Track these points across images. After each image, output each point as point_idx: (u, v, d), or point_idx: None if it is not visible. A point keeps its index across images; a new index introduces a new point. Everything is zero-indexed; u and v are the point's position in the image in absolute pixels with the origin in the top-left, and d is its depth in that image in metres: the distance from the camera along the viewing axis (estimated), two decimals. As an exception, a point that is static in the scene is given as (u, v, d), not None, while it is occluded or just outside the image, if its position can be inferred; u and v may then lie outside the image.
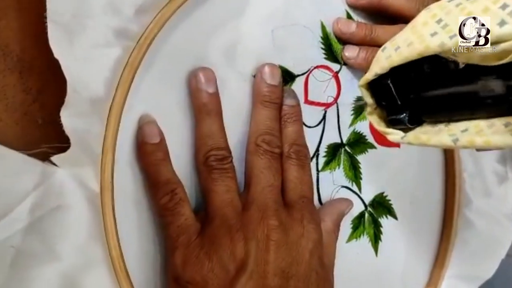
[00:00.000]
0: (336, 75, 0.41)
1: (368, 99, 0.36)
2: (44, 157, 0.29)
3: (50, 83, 0.30)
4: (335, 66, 0.41)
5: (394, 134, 0.35)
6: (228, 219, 0.33)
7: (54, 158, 0.29)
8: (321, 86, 0.41)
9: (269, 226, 0.33)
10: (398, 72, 0.33)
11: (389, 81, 0.34)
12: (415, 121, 0.35)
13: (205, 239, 0.32)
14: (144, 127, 0.33)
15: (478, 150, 0.47)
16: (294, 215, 0.35)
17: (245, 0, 0.37)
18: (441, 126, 0.33)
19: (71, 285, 0.30)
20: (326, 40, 0.41)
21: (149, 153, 0.33)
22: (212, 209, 0.33)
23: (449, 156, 0.49)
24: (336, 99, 0.42)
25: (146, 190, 0.33)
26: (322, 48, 0.41)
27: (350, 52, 0.41)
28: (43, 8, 0.28)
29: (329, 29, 0.41)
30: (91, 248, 0.30)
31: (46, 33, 0.28)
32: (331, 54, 0.41)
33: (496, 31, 0.27)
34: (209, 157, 0.34)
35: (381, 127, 0.37)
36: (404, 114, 0.34)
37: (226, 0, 0.36)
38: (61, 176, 0.30)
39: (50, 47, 0.28)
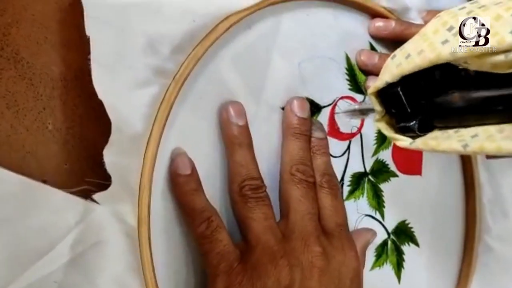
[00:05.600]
0: (360, 106, 0.42)
1: (377, 107, 0.36)
2: (85, 194, 0.30)
3: (60, 89, 0.31)
4: (359, 97, 0.42)
5: (403, 140, 0.35)
6: (270, 246, 0.33)
7: (95, 196, 0.30)
8: (346, 117, 0.41)
9: (313, 253, 0.34)
10: (408, 80, 0.33)
11: (398, 89, 0.34)
12: (425, 129, 0.35)
13: (248, 265, 0.32)
14: (176, 159, 0.33)
15: (488, 157, 0.48)
16: (335, 243, 0.35)
17: (274, 34, 0.38)
18: (451, 132, 0.33)
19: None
20: (350, 71, 0.42)
21: (182, 184, 0.33)
22: (252, 236, 0.33)
23: (469, 182, 0.49)
24: (360, 129, 0.42)
25: (180, 221, 0.34)
26: (347, 79, 0.42)
27: (373, 83, 0.42)
28: (54, 15, 0.29)
29: (353, 61, 0.42)
30: (129, 281, 0.31)
31: (57, 40, 0.29)
32: (355, 85, 0.42)
33: (508, 39, 0.27)
34: (243, 187, 0.34)
35: (389, 133, 0.37)
36: (414, 122, 0.34)
37: (255, 36, 0.37)
38: (101, 212, 0.30)
39: (60, 53, 0.29)
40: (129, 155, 0.30)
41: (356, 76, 0.42)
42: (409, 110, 0.35)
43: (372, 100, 0.36)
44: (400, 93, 0.34)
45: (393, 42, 0.43)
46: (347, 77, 0.42)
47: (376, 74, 0.42)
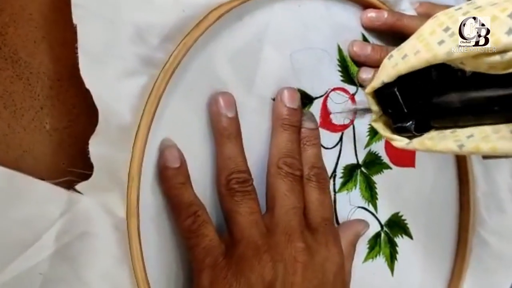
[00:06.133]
0: (352, 97, 0.42)
1: (374, 107, 0.36)
2: (69, 185, 0.30)
3: (57, 89, 0.31)
4: (351, 88, 0.42)
5: (399, 141, 0.35)
6: (255, 240, 0.33)
7: (78, 186, 0.29)
8: (338, 108, 0.41)
9: (296, 248, 0.33)
10: (405, 80, 0.33)
11: (395, 89, 0.34)
12: (422, 129, 0.35)
13: (232, 260, 0.32)
14: (165, 151, 0.33)
15: (484, 157, 0.48)
16: (319, 239, 0.35)
17: (265, 25, 0.37)
18: (447, 132, 0.33)
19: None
20: (342, 62, 0.41)
21: (170, 177, 0.33)
22: (237, 231, 0.33)
23: (463, 175, 0.49)
24: (352, 121, 0.42)
25: (169, 214, 0.34)
26: (339, 71, 0.41)
27: (365, 74, 0.42)
28: (51, 15, 0.29)
29: (345, 52, 0.42)
30: (117, 273, 0.31)
31: (54, 39, 0.29)
32: (347, 77, 0.42)
33: (504, 40, 0.27)
34: (230, 180, 0.34)
35: (386, 133, 0.37)
36: (411, 122, 0.34)
37: (246, 26, 0.36)
38: (87, 203, 0.30)
39: (57, 53, 0.29)
40: (117, 146, 0.30)
41: (348, 67, 0.42)
42: (405, 110, 0.35)
43: (369, 100, 0.36)
44: (397, 93, 0.34)
45: (386, 33, 0.43)
46: (339, 68, 0.41)
47: (369, 65, 0.42)
